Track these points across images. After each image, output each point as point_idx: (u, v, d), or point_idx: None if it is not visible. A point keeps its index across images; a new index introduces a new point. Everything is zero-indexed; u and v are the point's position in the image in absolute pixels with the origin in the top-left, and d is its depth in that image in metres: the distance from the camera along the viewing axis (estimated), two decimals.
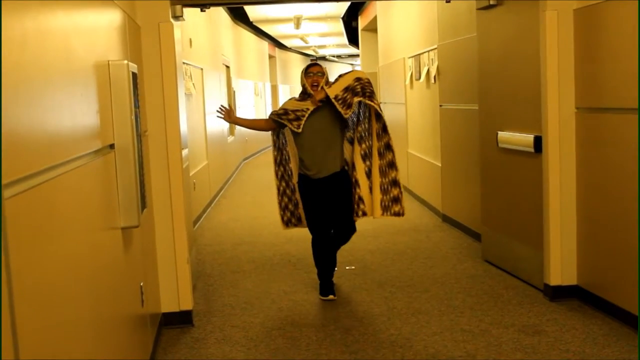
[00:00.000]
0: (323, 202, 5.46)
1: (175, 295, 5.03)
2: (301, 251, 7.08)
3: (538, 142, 5.29)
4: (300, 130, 5.39)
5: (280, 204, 5.83)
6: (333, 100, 5.26)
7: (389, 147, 5.46)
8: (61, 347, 2.26)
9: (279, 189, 5.80)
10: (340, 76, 5.43)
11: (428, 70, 8.74)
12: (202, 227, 8.90)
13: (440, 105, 8.26)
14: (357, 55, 22.60)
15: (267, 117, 5.66)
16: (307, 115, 5.38)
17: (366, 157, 5.52)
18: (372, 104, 5.32)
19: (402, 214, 5.48)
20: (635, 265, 4.49)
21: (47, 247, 2.18)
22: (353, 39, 20.14)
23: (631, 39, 4.42)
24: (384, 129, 5.46)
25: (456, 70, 7.60)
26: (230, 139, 14.29)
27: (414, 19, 9.67)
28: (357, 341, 4.63)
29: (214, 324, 5.07)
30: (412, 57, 9.75)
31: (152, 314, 4.53)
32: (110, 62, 3.38)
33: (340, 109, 5.26)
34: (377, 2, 12.91)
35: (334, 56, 31.73)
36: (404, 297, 5.53)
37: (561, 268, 5.23)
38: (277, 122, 5.55)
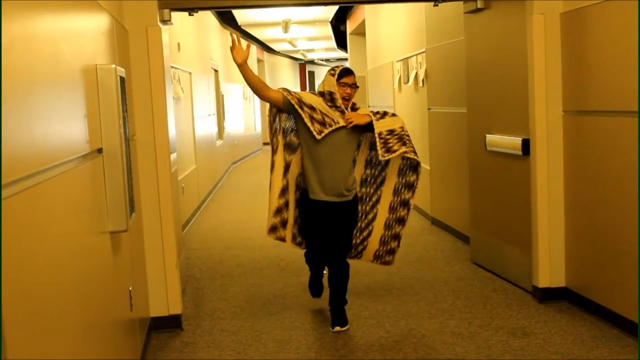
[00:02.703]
0: (324, 225, 4.86)
1: (164, 299, 5.02)
2: (290, 255, 7.08)
3: (526, 144, 5.31)
4: (320, 137, 4.67)
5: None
6: (377, 137, 4.65)
7: (406, 204, 4.96)
8: (49, 352, 2.25)
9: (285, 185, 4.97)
10: (385, 113, 4.78)
11: (416, 73, 8.76)
12: (191, 231, 8.89)
13: (429, 109, 8.28)
14: (346, 59, 22.65)
15: (278, 90, 4.82)
16: (334, 128, 4.68)
17: (360, 201, 5.02)
18: (416, 158, 4.80)
19: (390, 264, 5.17)
20: (624, 267, 4.52)
21: (35, 252, 2.17)
22: (341, 43, 20.17)
23: (618, 41, 4.45)
24: (410, 186, 4.96)
25: (444, 74, 7.63)
26: (219, 143, 14.28)
27: (402, 22, 9.69)
28: (347, 344, 4.63)
29: (203, 328, 5.07)
30: (400, 60, 9.77)
31: (141, 318, 4.52)
32: (98, 67, 3.38)
33: (379, 149, 4.63)
34: (365, 5, 12.93)
35: (322, 60, 31.77)
36: (393, 300, 5.54)
37: (549, 270, 5.25)
38: (289, 105, 4.75)
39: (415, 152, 4.78)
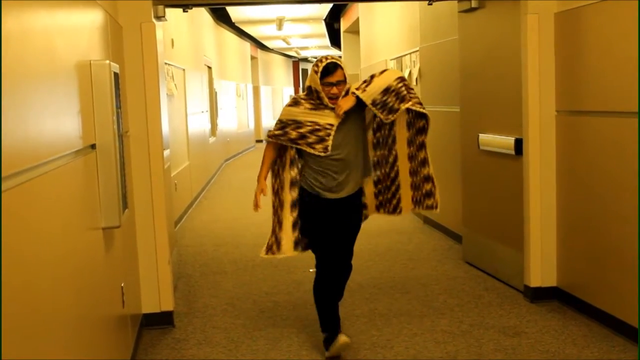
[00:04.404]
0: (335, 225, 4.44)
1: (156, 296, 5.01)
2: None
3: (519, 144, 5.33)
4: (328, 153, 4.29)
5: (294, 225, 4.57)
6: (371, 107, 4.27)
7: (422, 146, 4.51)
8: (41, 348, 2.25)
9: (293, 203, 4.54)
10: (372, 77, 4.34)
11: (410, 72, 8.77)
12: (184, 228, 8.88)
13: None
14: (340, 57, 22.66)
15: (269, 142, 4.52)
16: (332, 134, 4.29)
17: (377, 165, 4.59)
18: (422, 110, 4.37)
19: (436, 207, 4.57)
20: (615, 267, 4.54)
21: (27, 248, 2.17)
22: (335, 41, 20.17)
23: (611, 42, 4.47)
24: (421, 130, 4.49)
25: (438, 73, 7.63)
26: (212, 139, 14.26)
27: (395, 21, 9.70)
28: None
29: (195, 325, 5.06)
30: (394, 59, 9.78)
31: (132, 314, 4.52)
32: (92, 62, 3.37)
33: (380, 115, 4.28)
34: (359, 4, 12.94)
35: (315, 58, 31.76)
36: (385, 298, 5.54)
37: (541, 270, 5.26)
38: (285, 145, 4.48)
39: (420, 104, 4.37)
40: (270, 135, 4.47)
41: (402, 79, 4.33)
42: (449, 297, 5.49)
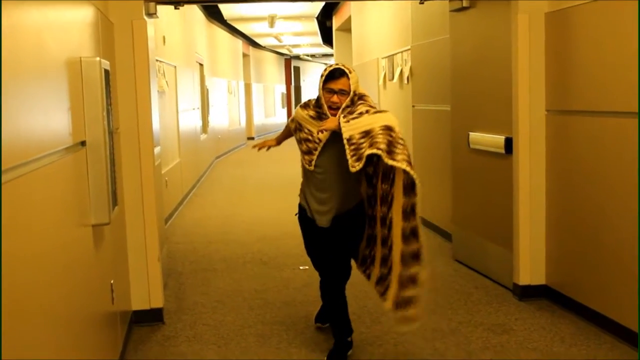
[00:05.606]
0: (327, 243, 4.23)
1: (146, 293, 5.01)
2: (273, 250, 7.09)
3: (509, 143, 5.35)
4: (312, 167, 4.12)
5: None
6: (345, 143, 3.81)
7: (415, 233, 3.94)
8: (30, 344, 2.25)
9: None
10: (367, 111, 3.92)
11: (401, 70, 8.79)
12: (174, 225, 8.88)
13: (413, 106, 8.31)
14: (331, 55, 22.66)
15: (288, 125, 4.49)
16: (319, 149, 4.07)
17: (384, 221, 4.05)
18: (400, 164, 3.71)
19: (415, 321, 4.01)
20: (603, 265, 4.57)
21: (17, 244, 2.17)
22: (327, 39, 20.18)
23: (601, 42, 4.49)
24: (413, 209, 3.88)
25: (429, 71, 7.65)
26: (203, 137, 14.25)
27: (387, 19, 9.71)
28: (328, 340, 4.64)
29: (184, 322, 5.07)
30: (385, 57, 9.79)
31: (122, 311, 4.52)
32: (82, 59, 3.37)
33: (349, 158, 3.78)
34: (352, 2, 12.94)
35: (308, 55, 31.77)
36: (374, 296, 5.53)
37: (530, 268, 5.29)
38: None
39: (409, 162, 3.73)
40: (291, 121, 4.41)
41: (389, 128, 3.81)
42: (438, 295, 5.50)
